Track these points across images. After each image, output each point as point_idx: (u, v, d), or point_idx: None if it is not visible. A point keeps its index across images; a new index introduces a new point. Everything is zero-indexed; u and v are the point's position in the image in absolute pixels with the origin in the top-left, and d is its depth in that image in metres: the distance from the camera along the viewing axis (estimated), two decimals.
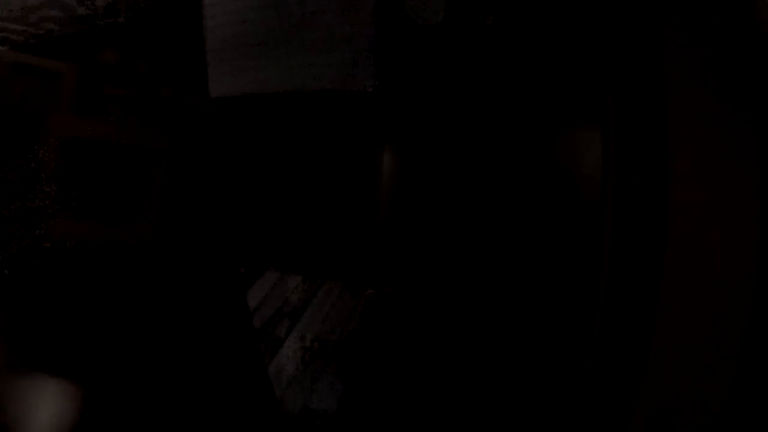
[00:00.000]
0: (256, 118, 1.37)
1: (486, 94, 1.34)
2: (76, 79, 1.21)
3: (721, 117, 1.11)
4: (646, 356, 1.35)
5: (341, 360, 0.76)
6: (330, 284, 0.91)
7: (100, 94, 1.22)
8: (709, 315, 1.28)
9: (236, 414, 0.84)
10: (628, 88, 1.26)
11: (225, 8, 1.29)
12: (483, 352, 1.39)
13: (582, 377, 1.40)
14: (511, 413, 1.31)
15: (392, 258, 1.38)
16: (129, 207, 1.25)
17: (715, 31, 1.10)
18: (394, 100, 1.30)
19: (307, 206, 1.36)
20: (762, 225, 1.14)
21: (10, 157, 1.16)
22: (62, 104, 1.21)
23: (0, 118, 1.16)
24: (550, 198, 1.34)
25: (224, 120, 1.28)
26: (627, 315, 1.36)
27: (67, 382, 0.92)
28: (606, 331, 1.38)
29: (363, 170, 1.49)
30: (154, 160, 1.24)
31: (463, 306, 1.41)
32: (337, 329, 0.80)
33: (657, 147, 1.24)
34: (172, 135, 1.22)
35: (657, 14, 1.18)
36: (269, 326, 1.13)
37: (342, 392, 0.74)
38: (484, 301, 1.42)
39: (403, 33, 1.34)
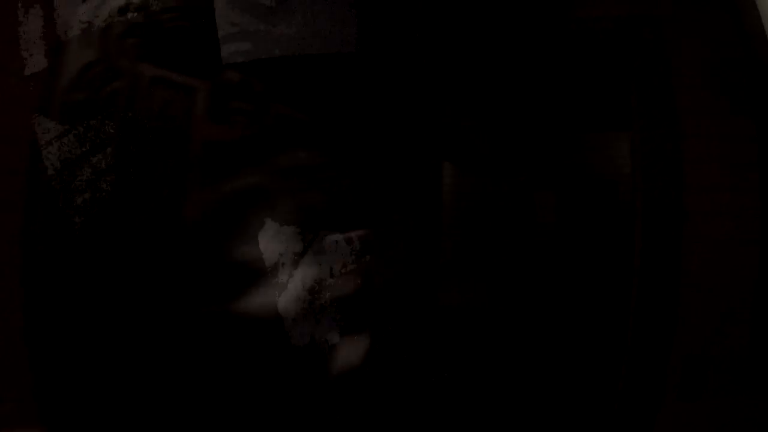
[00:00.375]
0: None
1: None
2: (209, 94, 1.42)
3: (723, 109, 1.46)
4: (676, 314, 1.63)
5: (341, 298, 0.82)
6: (325, 233, 0.95)
7: (227, 106, 1.44)
8: (725, 272, 1.60)
9: (252, 350, 0.96)
10: (648, 94, 1.60)
11: None
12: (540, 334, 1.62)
13: (627, 338, 1.67)
14: (570, 367, 1.55)
15: (456, 273, 1.60)
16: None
17: (714, 41, 1.46)
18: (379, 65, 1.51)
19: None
20: (762, 195, 1.48)
21: (157, 152, 1.35)
22: (198, 113, 1.41)
23: (145, 123, 1.36)
24: (595, 200, 1.63)
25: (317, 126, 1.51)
26: (658, 283, 1.66)
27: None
28: (642, 297, 1.67)
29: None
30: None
31: (521, 305, 1.65)
32: (335, 271, 0.86)
33: (672, 138, 1.57)
34: (281, 142, 1.43)
35: (668, 33, 1.54)
36: (272, 273, 1.28)
37: (344, 324, 0.82)
38: (541, 292, 1.67)
39: None
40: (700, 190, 1.60)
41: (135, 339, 1.35)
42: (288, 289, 0.75)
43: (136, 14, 1.42)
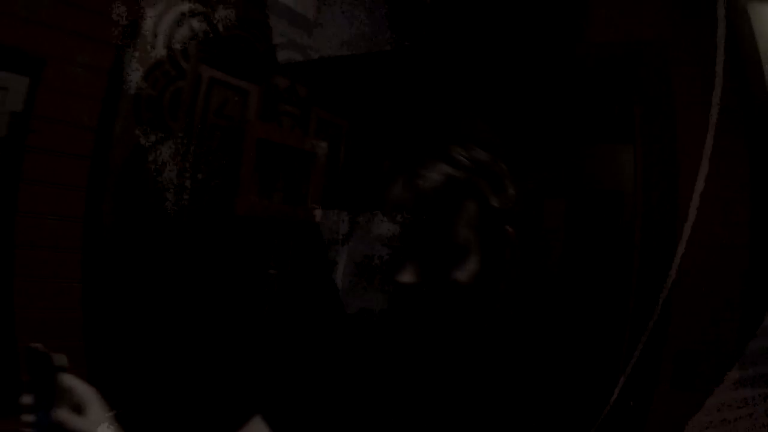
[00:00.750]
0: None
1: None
2: (259, 96, 1.60)
3: (718, 127, 1.64)
4: (670, 312, 1.80)
5: (387, 270, 0.88)
6: (367, 214, 1.05)
7: (275, 108, 1.62)
8: (715, 274, 1.76)
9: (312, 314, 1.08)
10: (649, 112, 1.78)
11: None
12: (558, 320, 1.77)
13: (625, 333, 1.84)
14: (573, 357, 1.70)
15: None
16: (297, 192, 1.62)
17: (713, 66, 1.64)
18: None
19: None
20: (751, 205, 1.65)
21: (214, 146, 1.53)
22: (250, 113, 1.59)
23: (205, 119, 1.53)
24: (600, 208, 1.80)
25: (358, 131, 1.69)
26: (654, 283, 1.82)
27: None
28: (640, 295, 1.83)
29: None
30: (313, 160, 1.63)
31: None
32: (379, 247, 0.90)
33: (671, 152, 1.75)
34: (326, 142, 1.61)
35: (670, 57, 1.72)
36: (325, 252, 1.44)
37: (391, 293, 0.87)
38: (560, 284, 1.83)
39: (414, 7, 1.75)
40: (691, 199, 1.78)
41: (183, 307, 1.50)
42: (469, 268, 0.87)
43: (198, 22, 1.60)
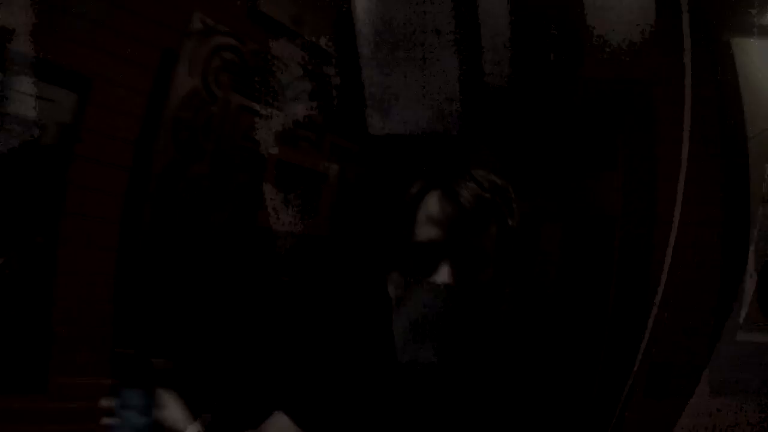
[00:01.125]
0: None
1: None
2: (281, 122, 1.81)
3: (694, 158, 1.81)
4: (645, 327, 1.97)
5: (439, 328, 0.94)
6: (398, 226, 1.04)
7: (294, 133, 1.84)
8: (689, 294, 1.93)
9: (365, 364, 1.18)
10: (632, 142, 1.96)
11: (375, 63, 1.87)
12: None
13: (602, 343, 2.01)
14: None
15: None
16: (310, 208, 1.83)
17: (694, 103, 1.81)
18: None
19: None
20: (724, 230, 1.82)
21: (238, 166, 1.74)
22: (272, 137, 1.81)
23: (233, 141, 1.75)
24: (593, 232, 1.96)
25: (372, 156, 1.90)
26: (630, 300, 1.99)
27: None
28: (617, 311, 2.00)
29: None
30: (325, 180, 1.85)
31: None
32: (431, 308, 0.97)
33: (649, 180, 1.93)
34: (337, 165, 1.82)
35: (654, 95, 1.90)
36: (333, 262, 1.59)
37: (440, 349, 0.93)
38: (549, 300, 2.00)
39: (480, 90, 1.95)
40: (669, 224, 1.95)
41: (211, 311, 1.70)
42: (488, 273, 1.03)
43: (229, 54, 1.81)
